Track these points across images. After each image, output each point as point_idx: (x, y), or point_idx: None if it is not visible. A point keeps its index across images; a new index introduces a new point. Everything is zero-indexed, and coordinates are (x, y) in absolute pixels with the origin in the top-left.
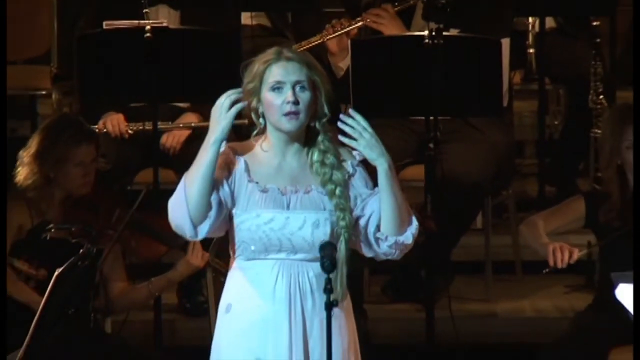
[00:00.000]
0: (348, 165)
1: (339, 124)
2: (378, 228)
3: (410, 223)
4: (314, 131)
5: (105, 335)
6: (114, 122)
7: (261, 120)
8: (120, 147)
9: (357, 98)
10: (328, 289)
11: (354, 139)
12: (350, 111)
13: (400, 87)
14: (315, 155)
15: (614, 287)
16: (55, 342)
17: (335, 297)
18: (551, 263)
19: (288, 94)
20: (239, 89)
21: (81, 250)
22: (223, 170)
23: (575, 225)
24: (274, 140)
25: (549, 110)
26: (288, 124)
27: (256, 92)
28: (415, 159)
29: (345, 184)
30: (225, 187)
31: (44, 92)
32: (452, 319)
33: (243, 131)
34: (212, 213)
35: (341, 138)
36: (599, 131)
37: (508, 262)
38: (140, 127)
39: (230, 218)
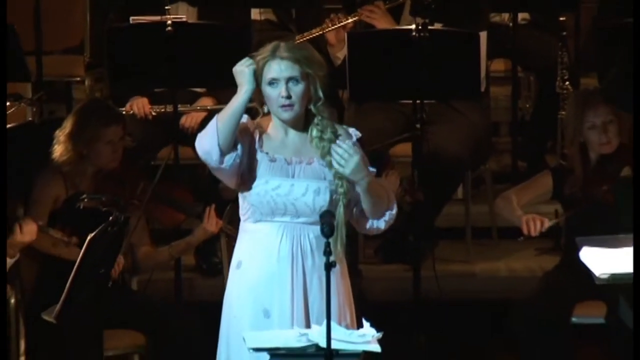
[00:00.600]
0: (343, 138)
1: (333, 148)
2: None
3: (388, 210)
4: (312, 112)
5: (131, 293)
6: (139, 105)
7: (265, 107)
8: (144, 127)
9: (353, 84)
10: (327, 252)
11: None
12: (339, 141)
13: (390, 74)
14: (314, 132)
15: (578, 250)
16: (88, 298)
17: (335, 259)
18: (525, 232)
19: (282, 89)
20: (251, 60)
21: (110, 218)
22: (244, 135)
23: (544, 197)
24: (278, 122)
25: (521, 95)
26: (284, 114)
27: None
28: (405, 138)
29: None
30: (245, 147)
31: (78, 79)
32: (436, 278)
33: (253, 113)
34: (239, 149)
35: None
36: (564, 113)
37: (485, 228)
38: (162, 110)
39: (243, 183)
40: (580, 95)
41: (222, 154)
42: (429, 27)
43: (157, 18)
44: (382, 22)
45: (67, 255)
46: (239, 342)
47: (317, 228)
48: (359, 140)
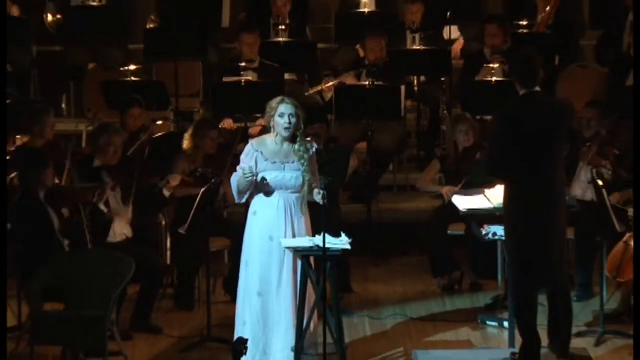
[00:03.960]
0: (310, 150)
1: (303, 157)
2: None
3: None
4: (295, 135)
5: (222, 218)
6: (227, 122)
7: (272, 128)
8: (229, 134)
9: (337, 110)
10: (323, 198)
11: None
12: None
13: (354, 105)
14: (296, 146)
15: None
16: (201, 221)
17: (305, 206)
18: (445, 197)
19: (286, 119)
20: (250, 174)
21: (212, 180)
22: (250, 161)
23: (437, 173)
24: (278, 137)
25: (421, 117)
26: (285, 133)
27: (271, 115)
28: (362, 139)
29: (307, 159)
30: (253, 170)
31: (195, 109)
32: (378, 212)
33: (263, 130)
34: (248, 193)
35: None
36: (444, 127)
37: (404, 185)
38: (239, 125)
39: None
40: (453, 117)
41: (239, 199)
42: (375, 83)
43: (237, 78)
44: (350, 80)
45: (192, 191)
46: (253, 258)
47: (297, 195)
48: (316, 150)
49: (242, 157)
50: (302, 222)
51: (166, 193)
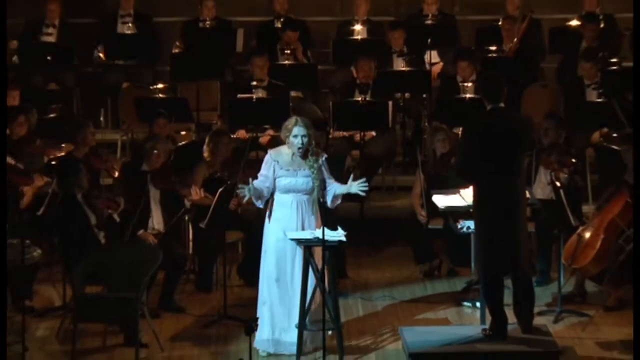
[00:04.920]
0: (320, 160)
1: (314, 167)
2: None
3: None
4: (307, 150)
5: (237, 213)
6: (241, 132)
7: (288, 144)
8: (243, 142)
9: (335, 123)
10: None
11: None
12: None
13: (349, 118)
14: (308, 159)
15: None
16: (219, 217)
17: (316, 205)
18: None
19: (299, 140)
20: (251, 188)
21: (228, 182)
22: (269, 170)
23: (423, 186)
24: (292, 151)
25: (406, 128)
26: (299, 153)
27: (287, 136)
28: (357, 148)
29: (318, 168)
30: (270, 178)
31: (214, 122)
32: (371, 210)
33: (272, 139)
34: (266, 196)
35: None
36: (426, 137)
37: (391, 187)
38: (250, 134)
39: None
40: (432, 128)
41: (259, 204)
42: (367, 99)
43: (250, 95)
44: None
45: (208, 202)
46: (271, 250)
47: (309, 197)
48: (326, 159)
49: (263, 165)
50: (312, 220)
51: (187, 204)
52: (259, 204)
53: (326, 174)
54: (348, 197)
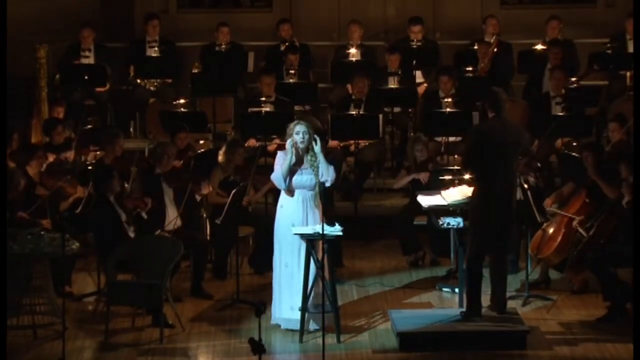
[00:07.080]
0: (318, 157)
1: (313, 164)
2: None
3: (329, 177)
4: (309, 148)
5: (247, 211)
6: (251, 141)
7: (291, 142)
8: (253, 150)
9: (333, 133)
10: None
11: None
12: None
13: (345, 129)
14: (309, 156)
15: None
16: (232, 214)
17: (317, 198)
18: (422, 181)
19: (301, 135)
20: (291, 141)
21: (240, 184)
22: (284, 160)
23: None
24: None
25: (394, 138)
26: (301, 146)
27: (290, 134)
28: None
29: (317, 167)
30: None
31: (228, 132)
32: (364, 208)
33: (278, 147)
34: (288, 178)
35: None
36: (408, 146)
37: (380, 188)
38: (260, 143)
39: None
40: (411, 139)
41: (285, 184)
42: (360, 113)
43: (259, 109)
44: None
45: (222, 201)
46: (280, 240)
47: (312, 192)
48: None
49: (276, 161)
50: (316, 213)
51: (197, 198)
52: (284, 185)
53: (321, 159)
54: (344, 196)
